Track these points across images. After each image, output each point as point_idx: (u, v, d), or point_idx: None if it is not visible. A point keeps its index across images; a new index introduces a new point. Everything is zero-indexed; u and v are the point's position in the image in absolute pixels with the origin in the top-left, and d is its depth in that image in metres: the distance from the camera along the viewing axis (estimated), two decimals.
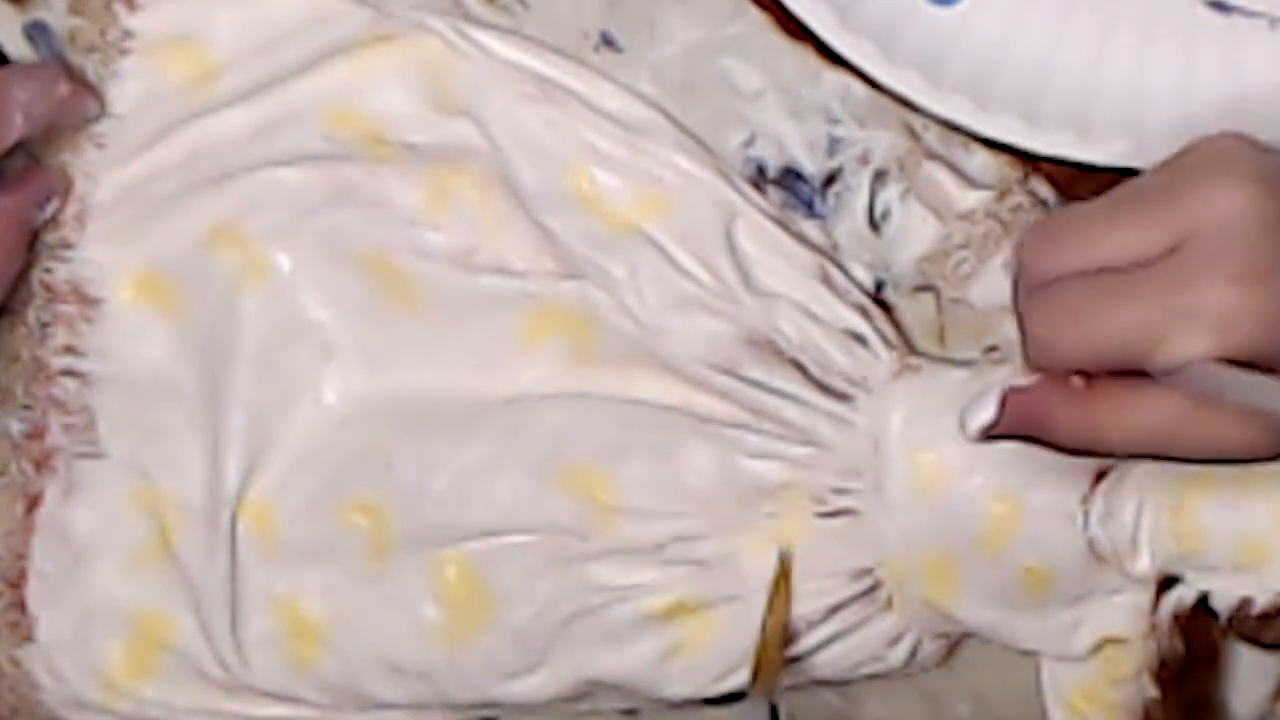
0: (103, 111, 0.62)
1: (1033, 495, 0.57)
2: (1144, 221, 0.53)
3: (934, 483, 0.59)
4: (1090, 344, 0.52)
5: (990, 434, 0.54)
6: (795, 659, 0.62)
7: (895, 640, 0.62)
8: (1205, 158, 0.53)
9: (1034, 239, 0.54)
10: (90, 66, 0.62)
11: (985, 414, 0.54)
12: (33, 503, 0.63)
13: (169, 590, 0.62)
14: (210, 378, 0.62)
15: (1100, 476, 0.60)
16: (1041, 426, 0.54)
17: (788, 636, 0.61)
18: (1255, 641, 0.62)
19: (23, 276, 0.62)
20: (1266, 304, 0.51)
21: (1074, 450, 0.54)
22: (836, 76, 0.62)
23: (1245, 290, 0.51)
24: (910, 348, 0.62)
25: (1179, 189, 0.53)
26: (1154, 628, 0.61)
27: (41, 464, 0.62)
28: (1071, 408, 0.53)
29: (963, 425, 0.55)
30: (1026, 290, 0.54)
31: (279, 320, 0.61)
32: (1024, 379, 0.54)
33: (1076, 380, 0.53)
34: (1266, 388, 0.50)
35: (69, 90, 0.61)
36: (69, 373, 0.62)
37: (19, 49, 0.63)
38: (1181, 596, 0.60)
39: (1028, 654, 0.62)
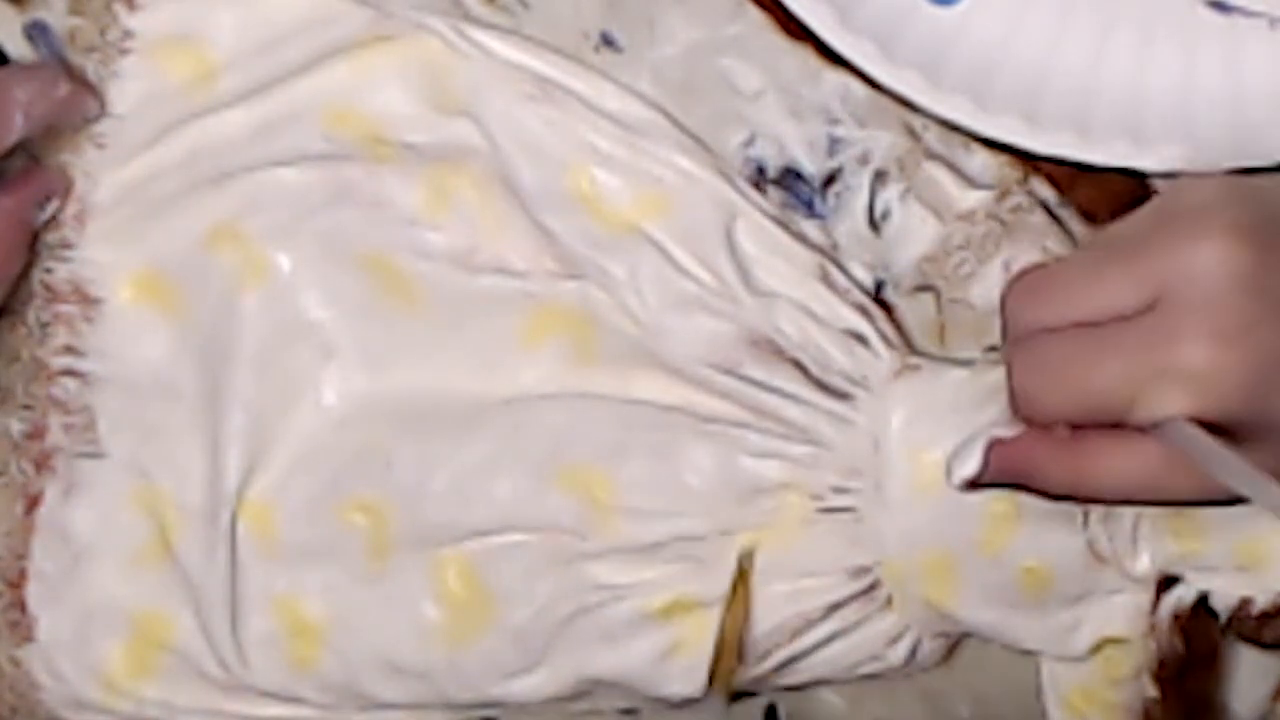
0: (103, 111, 0.62)
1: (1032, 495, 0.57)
2: (1124, 277, 0.53)
3: (934, 482, 0.59)
4: (1072, 399, 0.53)
5: (975, 484, 0.55)
6: (794, 658, 0.62)
7: (895, 639, 0.62)
8: (1186, 208, 0.54)
9: (1018, 292, 0.55)
10: (90, 66, 0.62)
11: (971, 465, 0.55)
12: (33, 503, 0.63)
13: (169, 590, 0.62)
14: (210, 378, 0.62)
15: None
16: (1026, 476, 0.55)
17: (745, 637, 0.61)
18: (1255, 641, 0.62)
19: (23, 276, 0.62)
20: (1242, 363, 0.52)
21: (1059, 497, 0.55)
22: (836, 76, 0.62)
23: (1221, 349, 0.52)
24: (910, 347, 0.62)
25: (1158, 244, 0.53)
26: (1154, 628, 0.61)
27: (41, 464, 0.62)
28: (1056, 458, 0.54)
29: (948, 474, 0.56)
30: (1011, 342, 0.55)
31: (279, 320, 0.61)
32: (1008, 430, 0.55)
33: (1061, 430, 0.54)
34: (1235, 468, 0.51)
35: (69, 90, 0.61)
36: (69, 373, 0.62)
37: (19, 49, 0.63)
38: (1181, 596, 0.60)
39: (1028, 654, 0.62)
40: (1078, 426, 0.54)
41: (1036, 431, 0.55)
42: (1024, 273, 0.56)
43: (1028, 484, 0.55)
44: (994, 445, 0.55)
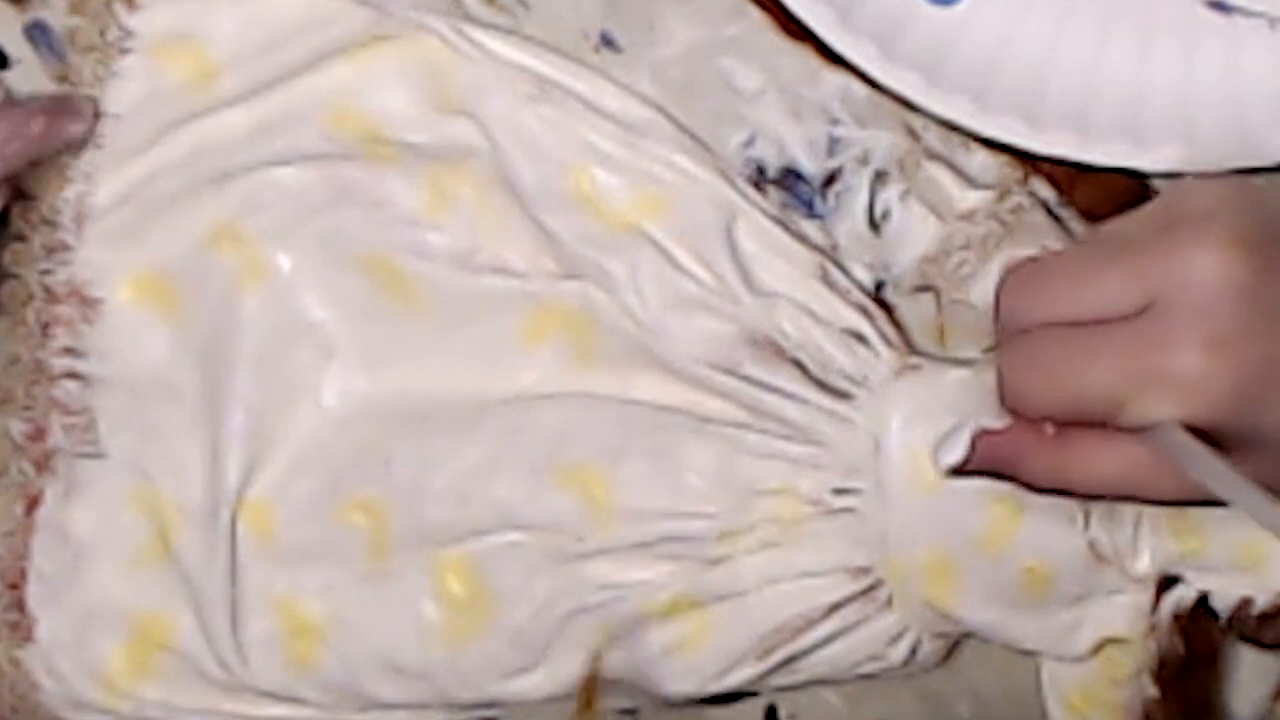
0: (89, 135, 0.62)
1: (1033, 495, 0.57)
2: (1120, 279, 0.54)
3: (934, 482, 0.59)
4: (1061, 398, 0.54)
5: (960, 471, 0.56)
6: (794, 657, 0.62)
7: (895, 639, 0.62)
8: (1188, 213, 0.54)
9: (1012, 286, 0.55)
10: (90, 66, 0.62)
11: (956, 453, 0.56)
12: (33, 503, 0.63)
13: (169, 590, 0.62)
14: (210, 378, 0.62)
15: None
16: (1011, 467, 0.56)
17: None
18: (1255, 641, 0.62)
19: (20, 278, 0.62)
20: (1233, 372, 0.52)
21: (1042, 490, 0.55)
22: (836, 76, 0.62)
23: (1213, 358, 0.52)
24: (910, 347, 0.62)
25: (1157, 248, 0.53)
26: (1154, 628, 0.61)
27: (42, 465, 0.62)
28: (1041, 452, 0.55)
29: (934, 459, 0.56)
30: (1004, 336, 0.55)
31: (279, 320, 0.61)
32: (996, 420, 0.56)
33: (1048, 426, 0.55)
34: (1222, 475, 0.52)
35: (44, 127, 0.60)
36: (70, 374, 0.62)
37: (19, 49, 0.63)
38: (1181, 596, 0.61)
39: (1028, 654, 0.62)
40: (1064, 424, 0.54)
41: (1023, 424, 0.55)
42: (1019, 266, 0.56)
43: (1011, 475, 0.56)
44: (981, 435, 0.56)
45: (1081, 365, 0.53)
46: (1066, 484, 0.55)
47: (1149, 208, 0.55)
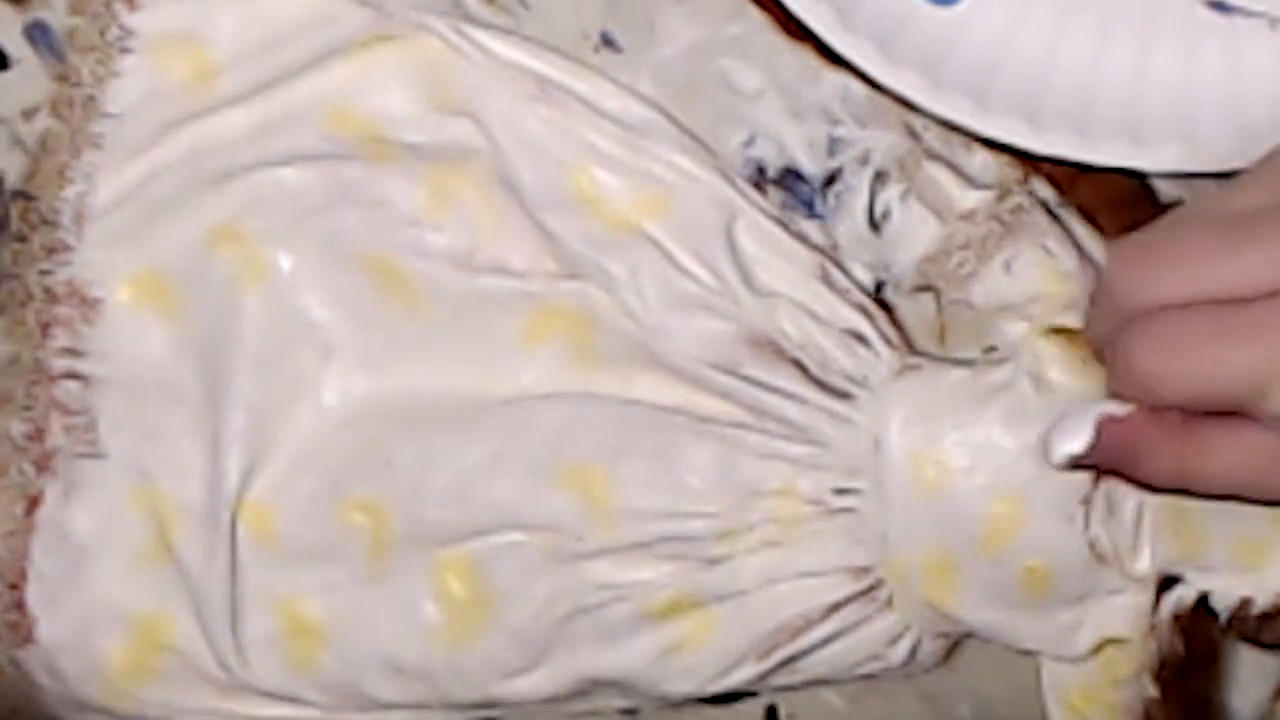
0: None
1: (1034, 495, 0.57)
2: (1261, 253, 0.50)
3: (935, 482, 0.59)
4: (1198, 383, 0.50)
5: (1078, 464, 0.53)
6: (794, 658, 0.62)
7: (895, 639, 0.62)
8: None
9: (1129, 261, 0.51)
10: (90, 66, 0.62)
11: (1078, 442, 0.53)
12: (33, 503, 0.63)
13: (169, 590, 0.62)
14: (210, 378, 0.62)
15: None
16: (1132, 461, 0.52)
17: None
18: (1255, 641, 0.62)
19: (20, 278, 0.62)
20: None
21: (1157, 487, 0.53)
22: (836, 76, 0.62)
23: None
24: (911, 347, 0.62)
25: None
26: (1154, 628, 0.61)
27: (42, 465, 0.62)
28: (1166, 444, 0.51)
29: (1047, 450, 0.53)
30: (1120, 316, 0.51)
31: (279, 321, 0.61)
32: (1120, 407, 0.52)
33: (1173, 415, 0.51)
34: None
35: None
36: (70, 374, 0.62)
37: (19, 49, 0.63)
38: (1181, 596, 0.60)
39: (1028, 654, 0.62)
40: (1189, 413, 0.51)
41: (1148, 413, 0.51)
42: (1130, 243, 0.52)
43: (1131, 470, 0.52)
44: (1107, 423, 0.52)
45: (1227, 347, 0.49)
46: (1188, 479, 0.52)
47: (1258, 176, 0.52)
